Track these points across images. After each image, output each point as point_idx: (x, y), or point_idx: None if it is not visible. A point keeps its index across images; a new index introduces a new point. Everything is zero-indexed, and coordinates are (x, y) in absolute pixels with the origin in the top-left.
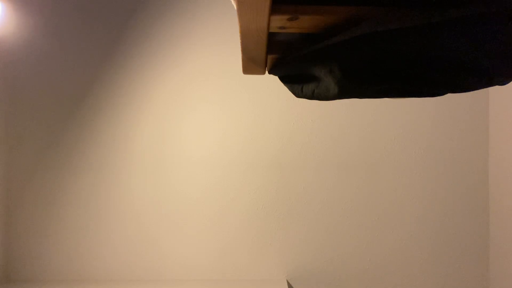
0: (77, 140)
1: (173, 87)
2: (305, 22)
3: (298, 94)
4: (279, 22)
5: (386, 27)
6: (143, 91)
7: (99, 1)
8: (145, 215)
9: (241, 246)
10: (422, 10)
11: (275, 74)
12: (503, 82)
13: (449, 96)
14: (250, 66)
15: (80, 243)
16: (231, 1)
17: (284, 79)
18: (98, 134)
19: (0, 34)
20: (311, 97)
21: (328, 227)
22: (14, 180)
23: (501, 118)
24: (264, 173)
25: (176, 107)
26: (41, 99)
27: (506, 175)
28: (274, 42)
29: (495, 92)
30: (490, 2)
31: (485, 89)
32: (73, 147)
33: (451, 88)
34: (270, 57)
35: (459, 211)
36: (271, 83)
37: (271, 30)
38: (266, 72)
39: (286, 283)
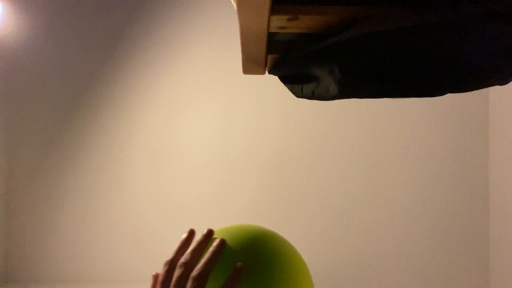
0: (77, 140)
1: (173, 87)
2: (305, 22)
3: (298, 94)
4: (279, 22)
5: (386, 27)
6: (144, 91)
7: (99, 1)
8: (145, 215)
9: None
10: (422, 10)
11: (275, 74)
12: (503, 82)
13: (449, 96)
14: (250, 66)
15: (80, 243)
16: (231, 1)
17: (284, 79)
18: (98, 134)
19: (0, 34)
20: (311, 97)
21: (328, 227)
22: (14, 180)
23: (501, 118)
24: (264, 172)
25: (176, 108)
26: (41, 99)
27: (506, 175)
28: (274, 42)
29: (495, 92)
30: (490, 2)
31: (485, 89)
32: (73, 147)
33: (451, 88)
34: (270, 57)
35: (459, 211)
36: (271, 83)
37: (271, 30)
38: (266, 72)
39: None
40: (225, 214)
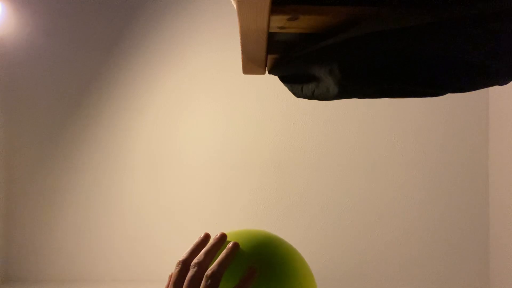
0: (77, 140)
1: (173, 87)
2: (305, 22)
3: (298, 94)
4: (279, 22)
5: (386, 27)
6: (144, 91)
7: (99, 1)
8: (145, 215)
9: None
10: (422, 10)
11: (275, 74)
12: (503, 82)
13: (449, 96)
14: (250, 66)
15: (80, 243)
16: (231, 1)
17: (284, 79)
18: (99, 134)
19: (0, 34)
20: (311, 97)
21: (328, 227)
22: (14, 180)
23: (501, 118)
24: (264, 173)
25: (176, 108)
26: (41, 99)
27: (506, 175)
28: (274, 42)
29: (495, 92)
30: (490, 2)
31: (485, 89)
32: (73, 147)
33: (451, 88)
34: (270, 57)
35: (459, 211)
36: (271, 83)
37: (271, 30)
38: (266, 72)
39: None
40: (226, 214)
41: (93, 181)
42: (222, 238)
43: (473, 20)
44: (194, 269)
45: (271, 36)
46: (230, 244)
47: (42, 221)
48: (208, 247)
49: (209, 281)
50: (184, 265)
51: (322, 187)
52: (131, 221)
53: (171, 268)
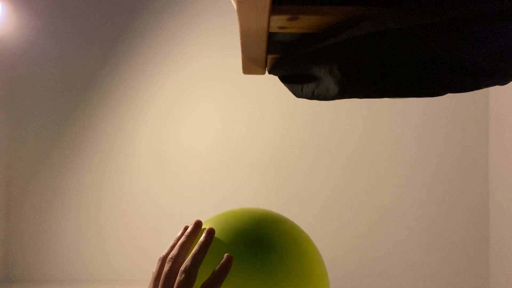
0: (77, 140)
1: (173, 87)
2: (305, 22)
3: (298, 94)
4: (279, 22)
5: (386, 27)
6: (144, 91)
7: (99, 1)
8: (145, 215)
9: None
10: (421, 10)
11: (275, 74)
12: (503, 82)
13: (449, 96)
14: (250, 66)
15: (80, 243)
16: (231, 1)
17: (284, 79)
18: (99, 134)
19: (0, 34)
20: (311, 97)
21: (328, 227)
22: (14, 180)
23: (501, 118)
24: (264, 173)
25: (176, 108)
26: (41, 99)
27: (506, 175)
28: (274, 42)
29: (495, 92)
30: (490, 2)
31: (485, 89)
32: (73, 147)
33: (451, 88)
34: (270, 57)
35: (459, 211)
36: (271, 83)
37: (271, 30)
38: (266, 72)
39: None
40: None
41: (93, 180)
42: (197, 226)
43: (474, 20)
44: (169, 264)
45: (271, 36)
46: (204, 233)
47: (42, 221)
48: (182, 239)
49: (183, 275)
50: (164, 261)
51: (322, 187)
52: (131, 222)
53: None
